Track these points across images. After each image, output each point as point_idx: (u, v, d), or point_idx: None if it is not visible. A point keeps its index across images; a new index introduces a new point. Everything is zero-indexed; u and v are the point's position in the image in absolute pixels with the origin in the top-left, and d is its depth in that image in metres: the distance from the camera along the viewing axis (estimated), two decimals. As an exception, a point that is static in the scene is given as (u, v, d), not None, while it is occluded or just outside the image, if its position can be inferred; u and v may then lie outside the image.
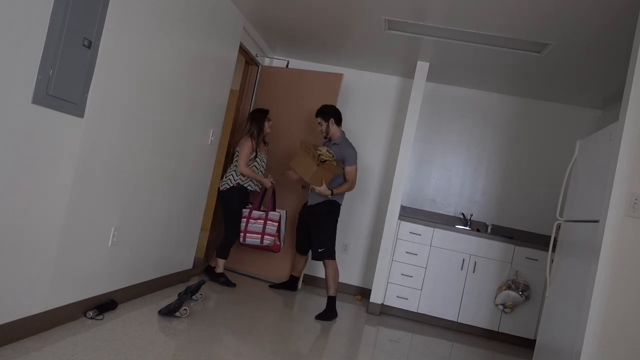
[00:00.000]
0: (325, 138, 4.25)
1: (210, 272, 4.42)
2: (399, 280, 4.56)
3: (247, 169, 4.23)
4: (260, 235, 4.28)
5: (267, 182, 4.34)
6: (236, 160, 4.31)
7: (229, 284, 4.33)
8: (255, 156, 4.31)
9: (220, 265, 4.37)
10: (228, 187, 4.30)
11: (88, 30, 2.37)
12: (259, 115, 4.36)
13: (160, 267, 3.65)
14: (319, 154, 3.92)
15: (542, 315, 3.42)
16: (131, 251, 3.20)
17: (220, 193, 4.37)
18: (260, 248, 4.41)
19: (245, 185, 4.32)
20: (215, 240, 5.04)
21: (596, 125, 4.97)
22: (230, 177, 4.31)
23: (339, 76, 4.80)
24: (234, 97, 6.36)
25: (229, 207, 4.35)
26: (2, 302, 2.19)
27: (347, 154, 4.09)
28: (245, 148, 4.25)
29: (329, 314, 3.91)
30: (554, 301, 3.23)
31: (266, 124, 4.38)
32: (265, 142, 4.46)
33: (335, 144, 4.14)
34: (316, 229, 4.13)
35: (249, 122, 4.38)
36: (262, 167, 4.40)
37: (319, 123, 4.21)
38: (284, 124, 4.91)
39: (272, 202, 4.45)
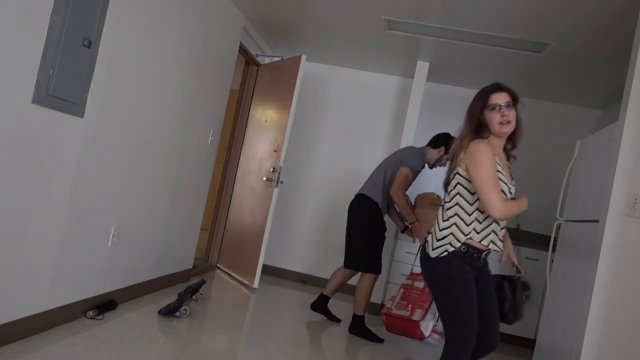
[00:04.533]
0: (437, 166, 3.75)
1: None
2: (399, 280, 4.55)
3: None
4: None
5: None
6: None
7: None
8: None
9: None
10: None
11: (88, 30, 2.37)
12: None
13: (160, 267, 3.65)
14: None
15: (542, 315, 3.42)
16: (131, 251, 3.20)
17: None
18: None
19: None
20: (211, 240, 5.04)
21: (596, 125, 4.97)
22: None
23: (297, 59, 4.38)
24: (234, 97, 6.34)
25: None
26: (2, 302, 2.19)
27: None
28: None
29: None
30: (554, 301, 3.23)
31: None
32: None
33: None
34: None
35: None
36: None
37: (445, 158, 3.55)
38: (267, 122, 4.79)
39: None
